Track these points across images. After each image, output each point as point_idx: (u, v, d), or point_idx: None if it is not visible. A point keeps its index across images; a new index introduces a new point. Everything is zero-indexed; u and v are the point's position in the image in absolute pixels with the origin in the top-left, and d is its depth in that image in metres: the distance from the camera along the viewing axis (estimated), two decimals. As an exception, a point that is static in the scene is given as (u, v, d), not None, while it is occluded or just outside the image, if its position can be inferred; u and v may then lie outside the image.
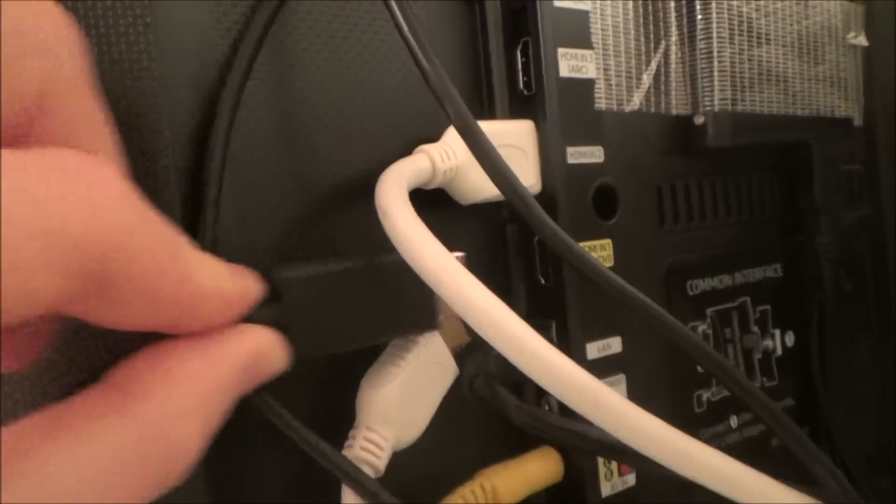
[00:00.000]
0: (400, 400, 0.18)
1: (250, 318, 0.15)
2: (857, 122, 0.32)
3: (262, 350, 0.15)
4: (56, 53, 0.12)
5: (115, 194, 0.12)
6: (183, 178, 0.17)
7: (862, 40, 0.33)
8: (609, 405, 0.16)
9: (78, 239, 0.10)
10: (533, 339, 0.16)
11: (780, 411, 0.17)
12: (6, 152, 0.10)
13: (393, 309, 0.18)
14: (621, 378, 0.23)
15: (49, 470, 0.11)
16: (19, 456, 0.11)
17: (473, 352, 0.21)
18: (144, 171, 0.16)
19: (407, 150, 0.21)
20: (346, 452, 0.18)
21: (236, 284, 0.15)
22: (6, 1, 0.11)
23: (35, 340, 0.14)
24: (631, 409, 0.17)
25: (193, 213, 0.17)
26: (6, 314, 0.10)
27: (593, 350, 0.22)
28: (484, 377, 0.20)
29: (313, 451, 0.17)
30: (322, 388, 0.19)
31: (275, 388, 0.16)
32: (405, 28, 0.17)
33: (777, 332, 0.29)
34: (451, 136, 0.20)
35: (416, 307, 0.19)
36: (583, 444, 0.20)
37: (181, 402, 0.13)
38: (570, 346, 0.22)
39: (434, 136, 0.21)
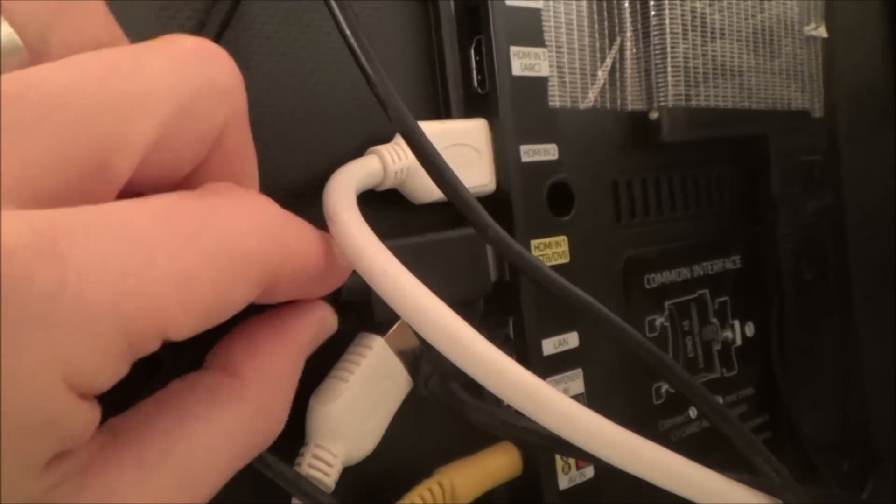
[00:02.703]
0: (348, 415, 0.18)
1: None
2: (818, 113, 0.32)
3: (325, 322, 0.17)
4: (232, 94, 0.14)
5: (278, 215, 0.14)
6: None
7: (822, 31, 0.33)
8: (551, 404, 0.17)
9: (261, 258, 0.13)
10: (475, 340, 0.16)
11: (719, 403, 0.17)
12: (201, 194, 0.13)
13: (450, 278, 0.20)
14: (578, 373, 0.23)
15: (177, 458, 0.12)
16: (144, 444, 0.12)
17: (429, 350, 0.21)
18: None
19: (361, 151, 0.21)
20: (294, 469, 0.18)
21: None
22: (191, 57, 0.13)
23: None
24: (574, 407, 0.17)
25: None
26: (214, 321, 0.12)
27: (549, 346, 0.22)
28: (438, 376, 0.20)
29: (261, 466, 0.17)
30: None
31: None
32: (347, 32, 0.17)
33: (737, 323, 0.29)
34: (403, 137, 0.20)
35: (471, 276, 0.21)
36: (538, 441, 0.21)
37: (280, 378, 0.15)
38: (527, 342, 0.22)
39: (389, 137, 0.21)
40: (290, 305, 0.17)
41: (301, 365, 0.16)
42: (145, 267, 0.10)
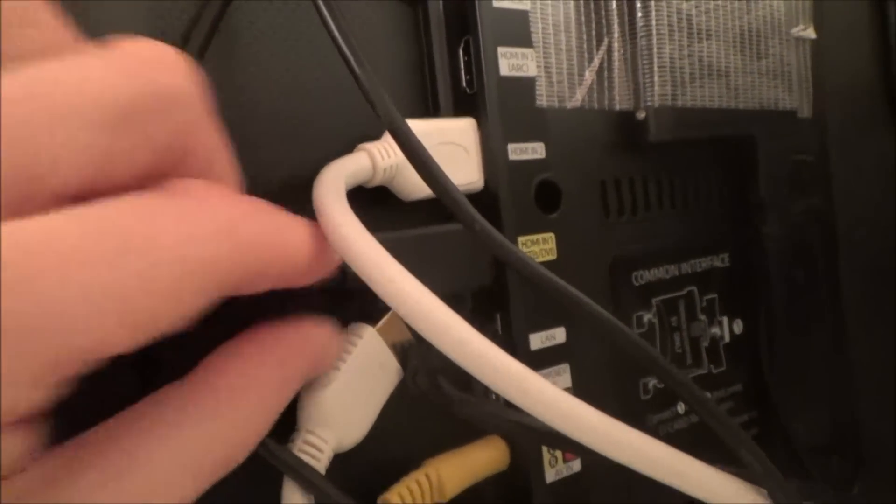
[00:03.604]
0: (339, 402, 0.19)
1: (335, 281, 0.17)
2: (806, 113, 0.33)
3: (325, 351, 0.17)
4: (186, 98, 0.13)
5: (247, 210, 0.14)
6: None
7: (810, 33, 0.34)
8: (539, 393, 0.17)
9: (215, 261, 0.12)
10: (463, 329, 0.16)
11: (701, 391, 0.18)
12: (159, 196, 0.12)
13: (448, 271, 0.21)
14: (565, 367, 0.23)
15: (135, 477, 0.12)
16: (123, 454, 0.12)
17: (418, 344, 0.21)
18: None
19: (350, 149, 0.21)
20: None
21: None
22: (134, 63, 0.12)
23: None
24: (563, 396, 0.17)
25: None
26: (167, 330, 0.12)
27: (536, 341, 0.23)
28: (426, 371, 0.21)
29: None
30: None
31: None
32: (335, 32, 0.17)
33: (725, 320, 0.29)
34: (392, 134, 0.21)
35: (469, 268, 0.22)
36: (526, 434, 0.21)
37: (259, 400, 0.15)
38: (514, 336, 0.22)
39: (378, 135, 0.21)
40: (291, 326, 0.16)
41: (290, 390, 0.16)
42: (72, 282, 0.10)
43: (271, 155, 0.20)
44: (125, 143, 0.12)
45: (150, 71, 0.12)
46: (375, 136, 0.21)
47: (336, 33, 0.17)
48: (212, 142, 0.14)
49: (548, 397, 0.17)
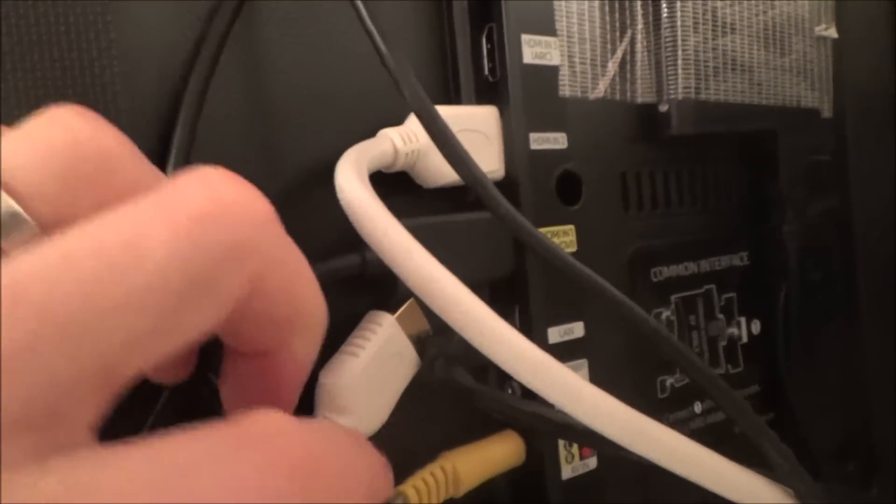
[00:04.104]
0: (358, 389, 0.18)
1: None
2: (827, 113, 0.32)
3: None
4: (257, 246, 0.12)
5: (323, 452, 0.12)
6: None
7: (832, 32, 0.33)
8: (565, 382, 0.17)
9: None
10: (488, 316, 0.16)
11: (731, 390, 0.17)
12: None
13: (469, 260, 0.21)
14: (583, 363, 0.23)
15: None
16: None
17: (436, 335, 0.21)
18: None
19: (372, 134, 0.21)
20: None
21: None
22: (199, 226, 0.11)
23: (191, 357, 0.16)
24: (588, 387, 0.17)
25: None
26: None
27: (555, 334, 0.22)
28: (444, 360, 0.20)
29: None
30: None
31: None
32: (364, 13, 0.17)
33: (743, 320, 0.29)
34: (414, 120, 0.20)
35: (490, 257, 0.22)
36: (544, 426, 0.21)
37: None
38: (532, 330, 0.22)
39: (399, 120, 0.21)
40: None
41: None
42: None
43: (293, 139, 0.20)
44: (199, 305, 0.11)
45: (219, 230, 0.11)
46: (396, 122, 0.21)
47: (365, 16, 0.17)
48: (287, 273, 0.13)
49: (572, 386, 0.17)
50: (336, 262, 0.19)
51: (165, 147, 0.17)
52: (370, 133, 0.21)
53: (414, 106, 0.17)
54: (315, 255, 0.20)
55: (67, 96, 0.16)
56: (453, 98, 0.23)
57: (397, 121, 0.21)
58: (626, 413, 0.16)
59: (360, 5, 0.17)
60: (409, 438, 0.21)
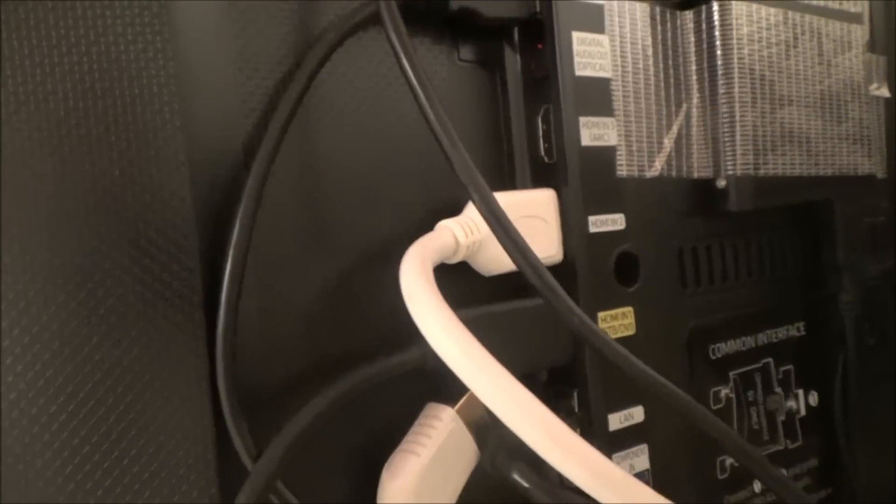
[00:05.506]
0: (419, 489, 0.18)
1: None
2: (881, 174, 0.32)
3: None
4: None
5: None
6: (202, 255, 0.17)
7: (884, 91, 0.33)
8: (632, 494, 0.16)
9: None
10: (549, 420, 0.16)
11: (783, 474, 0.17)
12: None
13: (527, 348, 0.21)
14: (644, 448, 0.23)
15: None
16: None
17: (496, 423, 0.21)
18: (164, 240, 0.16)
19: (429, 216, 0.21)
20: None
21: None
22: None
23: None
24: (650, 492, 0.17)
25: (212, 292, 0.17)
26: None
27: (615, 421, 0.22)
28: (505, 453, 0.20)
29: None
30: (345, 478, 0.19)
31: (296, 480, 0.16)
32: (432, 117, 0.17)
33: (800, 392, 0.28)
34: (473, 209, 0.20)
35: (548, 345, 0.21)
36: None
37: None
38: (592, 417, 0.22)
39: (454, 202, 0.21)
40: None
41: None
42: None
43: (353, 221, 0.20)
44: None
45: None
46: (451, 205, 0.21)
47: (432, 119, 0.16)
48: None
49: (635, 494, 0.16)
50: (399, 357, 0.19)
51: (226, 232, 0.17)
52: (425, 216, 0.21)
53: (481, 209, 0.17)
54: (369, 340, 0.20)
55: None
56: (507, 178, 0.23)
57: (450, 198, 0.21)
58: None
59: (429, 110, 0.17)
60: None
